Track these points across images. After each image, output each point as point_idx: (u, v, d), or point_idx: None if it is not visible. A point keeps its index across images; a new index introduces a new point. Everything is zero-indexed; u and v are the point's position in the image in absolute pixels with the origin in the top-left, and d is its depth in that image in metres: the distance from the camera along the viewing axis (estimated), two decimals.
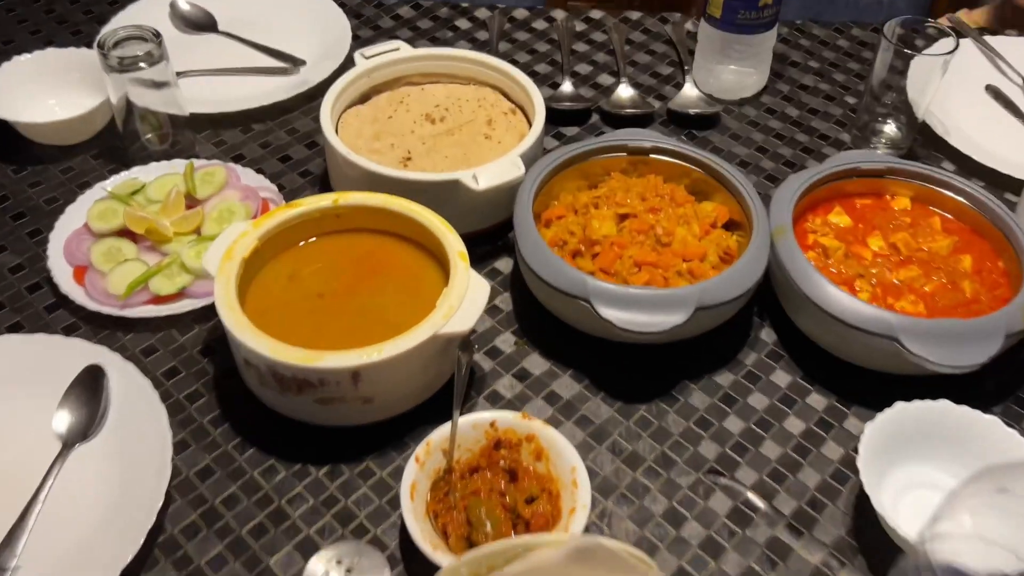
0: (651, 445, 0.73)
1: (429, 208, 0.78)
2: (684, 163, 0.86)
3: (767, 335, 0.81)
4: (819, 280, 0.74)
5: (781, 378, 0.78)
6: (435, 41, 1.14)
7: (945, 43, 0.92)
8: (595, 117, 1.03)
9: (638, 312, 0.71)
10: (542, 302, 0.79)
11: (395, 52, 0.95)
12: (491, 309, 0.83)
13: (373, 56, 0.94)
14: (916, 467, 0.69)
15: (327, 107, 0.88)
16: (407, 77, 0.96)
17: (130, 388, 0.72)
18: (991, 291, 0.77)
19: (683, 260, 0.77)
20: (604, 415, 0.74)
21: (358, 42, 1.11)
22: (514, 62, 1.10)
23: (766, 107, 1.05)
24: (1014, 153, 0.98)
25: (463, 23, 1.17)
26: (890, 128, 0.99)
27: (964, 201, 0.82)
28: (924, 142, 1.00)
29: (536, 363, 0.78)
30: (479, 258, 0.86)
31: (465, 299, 0.70)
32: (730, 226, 0.83)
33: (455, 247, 0.73)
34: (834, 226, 0.83)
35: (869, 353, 0.73)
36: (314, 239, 0.79)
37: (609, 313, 0.71)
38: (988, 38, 1.14)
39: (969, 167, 0.97)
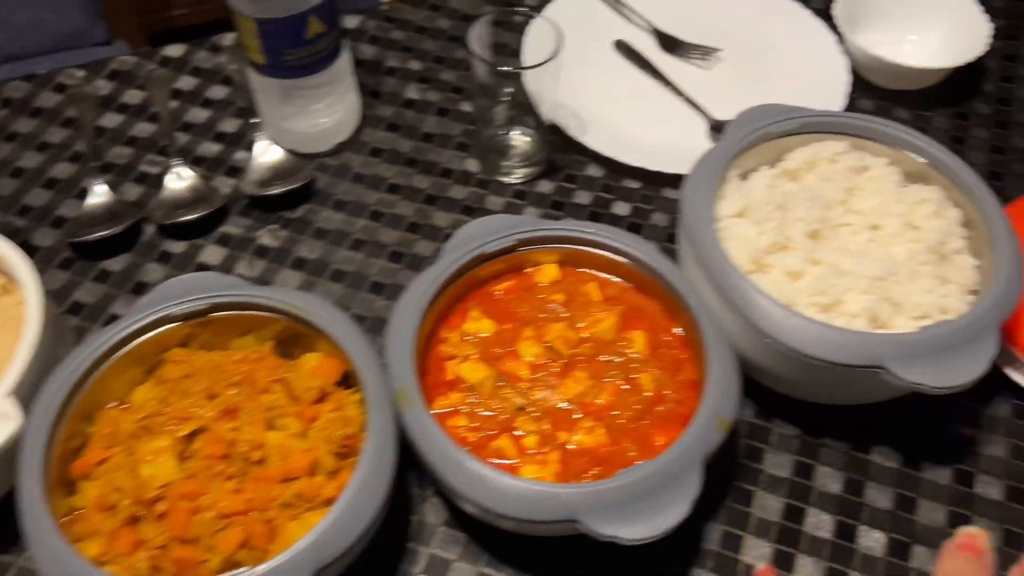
0: None
1: None
2: (262, 313, 0.62)
3: (435, 514, 0.62)
4: (471, 466, 0.54)
5: None
6: None
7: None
8: (149, 231, 0.76)
9: None
10: None
11: None
12: None
13: None
14: None
15: None
16: None
17: None
18: (674, 376, 0.61)
19: (286, 481, 0.55)
20: None
21: None
22: (17, 173, 0.79)
23: (370, 148, 0.82)
24: (668, 135, 0.82)
25: None
26: (519, 138, 0.80)
27: (616, 257, 0.66)
28: (561, 144, 0.82)
29: None
30: None
31: None
32: (347, 379, 0.61)
33: None
34: (475, 338, 0.63)
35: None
36: None
37: None
38: None
39: (621, 170, 0.80)
